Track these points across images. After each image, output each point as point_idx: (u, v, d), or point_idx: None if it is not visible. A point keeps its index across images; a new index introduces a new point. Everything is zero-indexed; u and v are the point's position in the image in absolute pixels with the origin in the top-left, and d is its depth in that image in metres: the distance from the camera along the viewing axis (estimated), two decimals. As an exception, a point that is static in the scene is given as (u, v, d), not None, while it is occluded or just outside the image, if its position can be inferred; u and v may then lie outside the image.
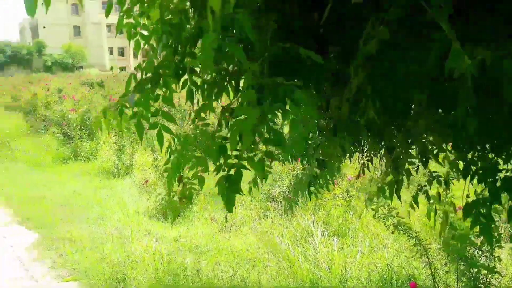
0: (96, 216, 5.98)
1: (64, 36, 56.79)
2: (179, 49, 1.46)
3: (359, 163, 2.30)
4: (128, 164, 9.75)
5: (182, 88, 1.50)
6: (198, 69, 1.45)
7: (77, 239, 5.01)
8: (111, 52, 59.35)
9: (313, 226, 5.20)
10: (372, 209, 3.53)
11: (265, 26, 1.26)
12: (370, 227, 5.60)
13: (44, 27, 58.48)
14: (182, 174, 1.50)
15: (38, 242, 5.02)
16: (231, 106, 1.44)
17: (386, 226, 3.71)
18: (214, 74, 1.44)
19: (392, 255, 4.58)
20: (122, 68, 55.16)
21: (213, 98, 1.47)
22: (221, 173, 1.32)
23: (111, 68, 52.26)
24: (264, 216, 6.43)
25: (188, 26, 1.47)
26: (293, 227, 5.53)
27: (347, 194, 6.13)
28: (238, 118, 1.19)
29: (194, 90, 1.49)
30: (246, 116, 1.17)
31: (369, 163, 2.32)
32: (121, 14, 1.62)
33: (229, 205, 1.34)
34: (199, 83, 1.45)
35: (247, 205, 6.76)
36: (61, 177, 8.78)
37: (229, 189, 1.30)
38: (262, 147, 1.34)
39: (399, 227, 3.59)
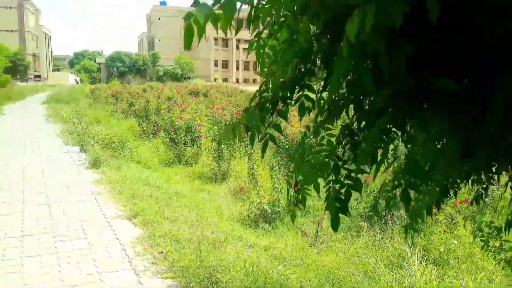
0: (194, 218, 6.31)
1: (175, 49, 61.87)
2: (301, 67, 1.51)
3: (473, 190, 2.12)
4: (225, 170, 10.23)
5: (296, 103, 1.55)
6: (314, 86, 1.49)
7: (176, 238, 5.33)
8: (215, 64, 63.05)
9: (410, 251, 4.90)
10: (481, 240, 3.22)
11: (400, 52, 1.22)
12: (476, 259, 5.11)
13: (160, 40, 64.30)
14: (298, 180, 1.56)
15: (142, 238, 5.37)
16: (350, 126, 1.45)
17: (496, 260, 3.35)
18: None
19: (501, 294, 4.12)
20: (225, 79, 58.18)
21: (333, 115, 1.49)
22: (332, 190, 1.35)
23: (215, 79, 55.39)
24: (356, 235, 6.23)
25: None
26: (387, 249, 5.27)
27: (451, 221, 5.68)
28: (362, 146, 1.21)
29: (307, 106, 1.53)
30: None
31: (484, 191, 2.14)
32: (253, 37, 1.72)
33: (335, 224, 1.37)
34: (315, 100, 1.50)
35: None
36: (166, 178, 9.45)
37: (338, 209, 1.33)
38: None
39: (512, 263, 3.22)
